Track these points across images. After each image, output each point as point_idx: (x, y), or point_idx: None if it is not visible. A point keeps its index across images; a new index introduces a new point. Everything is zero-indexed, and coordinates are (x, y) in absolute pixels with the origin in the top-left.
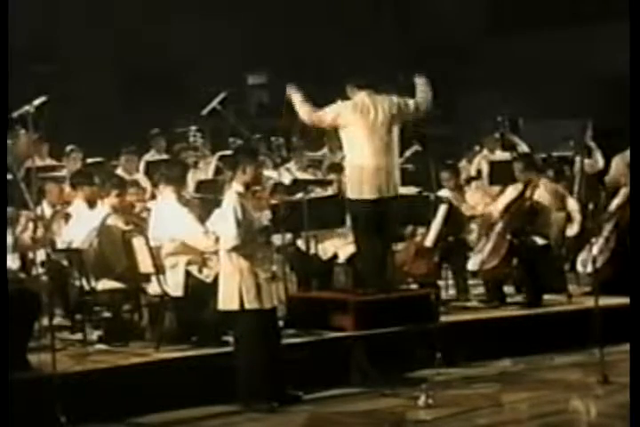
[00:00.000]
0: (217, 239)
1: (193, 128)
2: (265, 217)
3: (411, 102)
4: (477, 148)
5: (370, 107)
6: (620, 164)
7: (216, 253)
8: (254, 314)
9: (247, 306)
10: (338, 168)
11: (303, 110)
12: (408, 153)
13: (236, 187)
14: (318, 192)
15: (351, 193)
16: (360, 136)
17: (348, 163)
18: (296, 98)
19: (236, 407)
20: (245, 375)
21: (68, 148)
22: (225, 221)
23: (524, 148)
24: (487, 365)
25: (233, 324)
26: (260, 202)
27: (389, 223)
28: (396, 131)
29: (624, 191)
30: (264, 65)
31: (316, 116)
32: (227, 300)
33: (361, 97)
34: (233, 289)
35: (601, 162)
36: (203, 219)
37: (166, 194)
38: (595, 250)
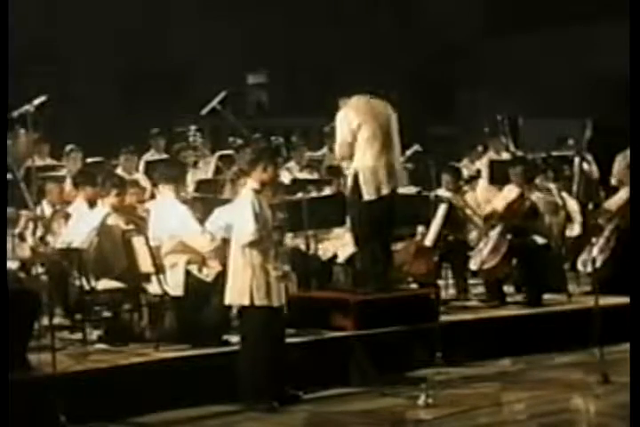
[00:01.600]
0: (213, 239)
1: (192, 128)
2: (278, 216)
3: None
4: (480, 148)
5: (368, 105)
6: (622, 163)
7: (214, 251)
8: (263, 311)
9: (257, 302)
10: (336, 171)
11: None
12: (408, 153)
13: (252, 184)
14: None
15: (367, 194)
16: (368, 135)
17: (361, 167)
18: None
19: (236, 407)
20: (248, 374)
21: (68, 147)
22: (241, 217)
23: (512, 148)
24: (487, 364)
25: (240, 321)
26: (272, 200)
27: (391, 220)
28: (394, 125)
29: (624, 191)
30: (264, 65)
31: (340, 150)
32: (235, 295)
33: (356, 99)
34: (243, 284)
35: (596, 174)
36: (202, 218)
37: (165, 193)
38: (595, 250)
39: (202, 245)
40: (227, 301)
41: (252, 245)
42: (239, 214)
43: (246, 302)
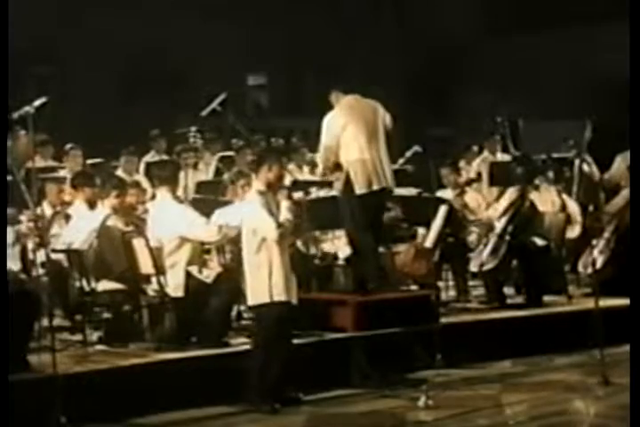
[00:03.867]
0: (220, 229)
1: (193, 129)
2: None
3: (388, 116)
4: (475, 148)
5: (356, 104)
6: (621, 164)
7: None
8: (280, 307)
9: (275, 298)
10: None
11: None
12: (408, 154)
13: (258, 185)
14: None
15: (359, 188)
16: (355, 131)
17: (350, 161)
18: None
19: (237, 408)
20: (258, 373)
21: (68, 145)
22: (253, 217)
23: (512, 149)
24: (487, 366)
25: (256, 318)
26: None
27: (382, 217)
28: (380, 123)
29: (625, 192)
30: (264, 66)
31: (324, 153)
32: (256, 295)
33: (347, 99)
34: (261, 283)
35: (596, 175)
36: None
37: (163, 194)
38: (595, 251)
39: (209, 235)
40: (249, 302)
41: (281, 238)
42: (248, 216)
43: (267, 299)
